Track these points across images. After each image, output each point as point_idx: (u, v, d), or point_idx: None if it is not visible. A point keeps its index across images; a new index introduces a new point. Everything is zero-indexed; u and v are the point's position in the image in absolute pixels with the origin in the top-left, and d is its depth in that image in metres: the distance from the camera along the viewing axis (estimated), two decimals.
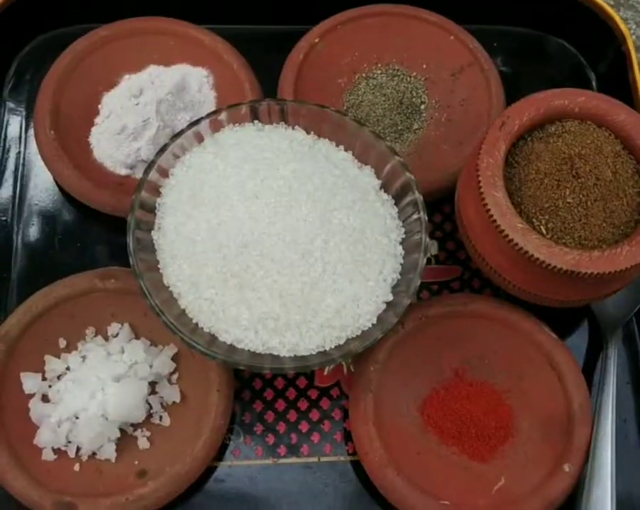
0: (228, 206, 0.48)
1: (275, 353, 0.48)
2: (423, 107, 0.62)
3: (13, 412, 0.51)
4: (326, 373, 0.55)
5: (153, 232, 0.50)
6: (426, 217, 0.50)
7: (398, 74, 0.63)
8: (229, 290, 0.47)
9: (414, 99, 0.62)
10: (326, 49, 0.63)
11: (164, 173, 0.51)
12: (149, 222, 0.50)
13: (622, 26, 0.63)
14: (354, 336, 0.48)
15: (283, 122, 0.53)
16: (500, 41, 0.67)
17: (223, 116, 0.52)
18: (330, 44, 0.63)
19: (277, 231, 0.47)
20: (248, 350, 0.48)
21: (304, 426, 0.54)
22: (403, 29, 0.64)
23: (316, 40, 0.63)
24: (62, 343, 0.53)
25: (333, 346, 0.48)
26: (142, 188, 0.49)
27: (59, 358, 0.52)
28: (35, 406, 0.51)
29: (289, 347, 0.47)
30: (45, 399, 0.51)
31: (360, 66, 0.64)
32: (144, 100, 0.59)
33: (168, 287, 0.49)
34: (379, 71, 0.63)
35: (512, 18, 0.68)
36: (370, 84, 0.63)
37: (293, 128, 0.53)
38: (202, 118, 0.52)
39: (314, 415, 0.54)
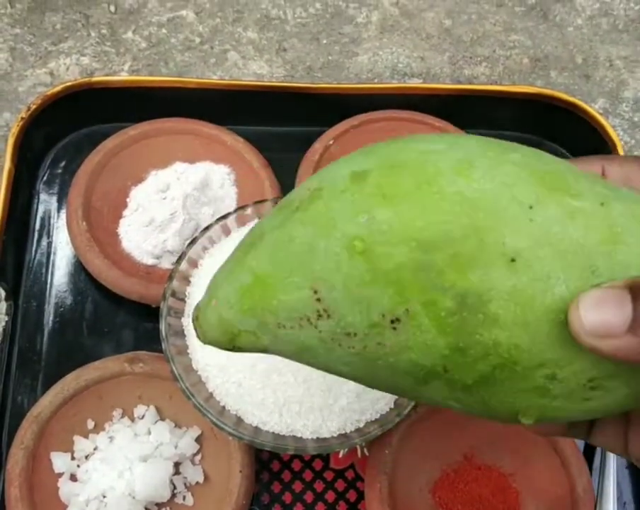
0: None
1: (298, 435, 0.50)
2: None
3: (43, 491, 0.52)
4: (341, 456, 0.58)
5: (183, 319, 0.52)
6: None
7: None
8: (256, 374, 0.50)
9: None
10: (339, 149, 0.67)
11: (193, 264, 0.54)
12: (179, 309, 0.53)
13: (612, 133, 0.67)
14: (373, 419, 0.51)
15: None
16: None
17: (249, 211, 0.56)
18: (343, 145, 0.68)
19: None
20: (273, 432, 0.50)
21: (320, 507, 0.56)
22: (410, 133, 0.69)
23: (330, 142, 0.67)
24: (90, 424, 0.55)
25: (353, 429, 0.50)
26: (174, 278, 0.53)
27: (87, 438, 0.54)
28: (64, 485, 0.52)
29: (312, 429, 0.50)
30: (74, 478, 0.53)
31: None
32: (171, 195, 0.62)
33: (197, 371, 0.51)
34: None
35: (511, 124, 0.72)
36: None
37: None
38: (229, 213, 0.55)
39: (330, 496, 0.56)
